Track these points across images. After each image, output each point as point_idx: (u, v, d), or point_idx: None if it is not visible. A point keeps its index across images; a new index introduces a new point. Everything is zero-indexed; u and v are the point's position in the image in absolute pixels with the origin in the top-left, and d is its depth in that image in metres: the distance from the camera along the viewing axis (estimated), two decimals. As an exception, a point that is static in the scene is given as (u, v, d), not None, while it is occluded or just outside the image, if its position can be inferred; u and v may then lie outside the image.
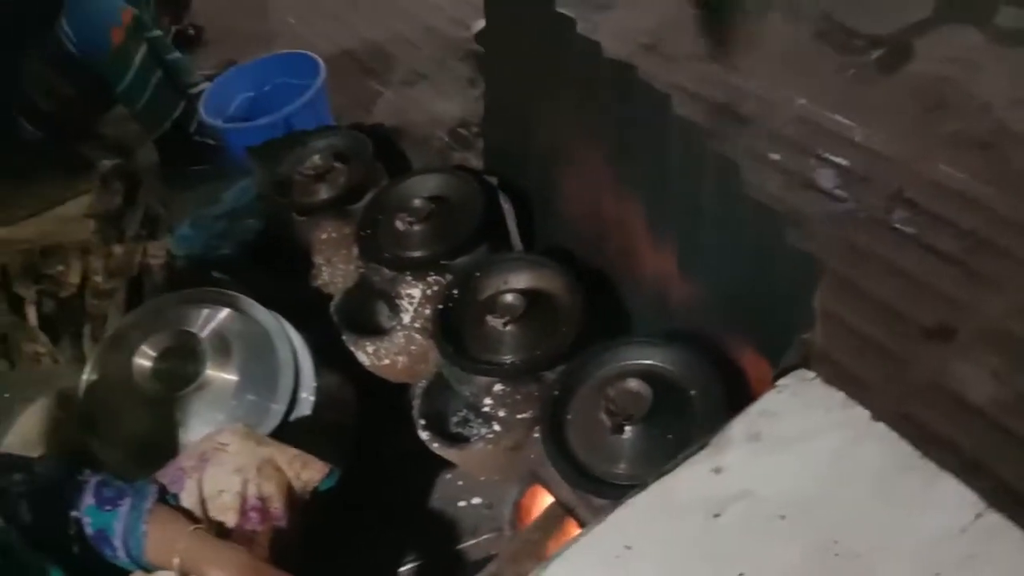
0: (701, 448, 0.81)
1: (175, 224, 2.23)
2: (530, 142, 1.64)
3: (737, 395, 1.19)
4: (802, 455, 0.78)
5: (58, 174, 2.30)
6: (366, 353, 1.64)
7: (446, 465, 1.57)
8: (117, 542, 1.07)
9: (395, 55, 2.65)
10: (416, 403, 1.49)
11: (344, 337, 1.64)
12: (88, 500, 1.09)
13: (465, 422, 1.53)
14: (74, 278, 2.06)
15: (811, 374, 0.86)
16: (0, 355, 1.93)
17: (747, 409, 0.84)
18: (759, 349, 1.12)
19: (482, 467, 1.53)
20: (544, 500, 1.32)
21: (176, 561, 1.05)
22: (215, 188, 2.28)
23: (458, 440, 1.47)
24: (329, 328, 1.65)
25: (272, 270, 1.99)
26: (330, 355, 1.60)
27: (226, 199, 2.25)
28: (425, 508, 1.63)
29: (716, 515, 0.76)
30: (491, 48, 1.72)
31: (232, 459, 1.15)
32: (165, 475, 1.17)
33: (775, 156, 1.34)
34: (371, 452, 1.66)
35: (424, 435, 1.45)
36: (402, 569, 1.53)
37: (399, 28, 2.64)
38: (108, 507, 1.08)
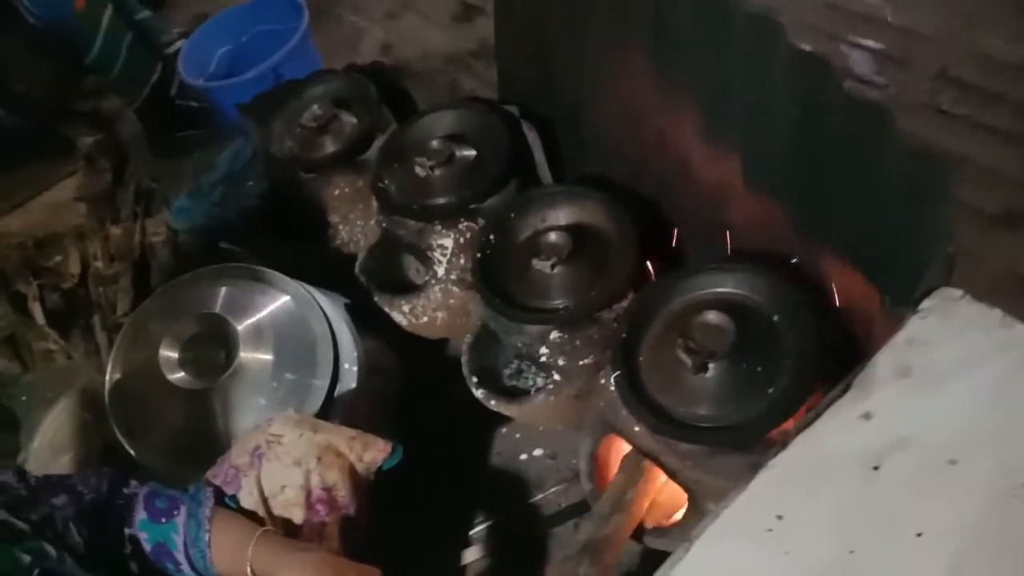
0: (844, 391, 0.70)
1: (171, 197, 2.10)
2: (552, 61, 1.49)
3: (826, 316, 1.09)
4: (964, 387, 0.68)
5: (39, 158, 2.16)
6: (402, 313, 1.53)
7: (501, 419, 1.48)
8: (179, 555, 0.99)
9: (374, -15, 2.45)
10: (464, 360, 1.39)
11: (376, 298, 1.54)
12: (140, 514, 1.00)
13: (519, 373, 1.44)
14: (74, 267, 1.95)
15: (958, 292, 0.75)
16: (11, 357, 1.84)
17: (891, 340, 0.73)
18: (855, 265, 1.01)
19: (544, 419, 1.44)
20: (621, 449, 1.23)
21: (248, 569, 0.96)
22: (208, 153, 2.15)
23: (515, 394, 1.38)
24: (356, 291, 1.55)
25: (283, 235, 1.86)
26: (362, 319, 1.49)
27: (221, 163, 2.11)
28: (487, 466, 1.55)
29: (875, 468, 0.66)
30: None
31: (289, 451, 1.05)
32: (218, 475, 1.07)
33: (804, 47, 1.21)
34: (419, 415, 1.57)
35: (479, 393, 1.36)
36: (472, 532, 1.45)
37: (374, -45, 2.43)
38: (163, 519, 1.00)
